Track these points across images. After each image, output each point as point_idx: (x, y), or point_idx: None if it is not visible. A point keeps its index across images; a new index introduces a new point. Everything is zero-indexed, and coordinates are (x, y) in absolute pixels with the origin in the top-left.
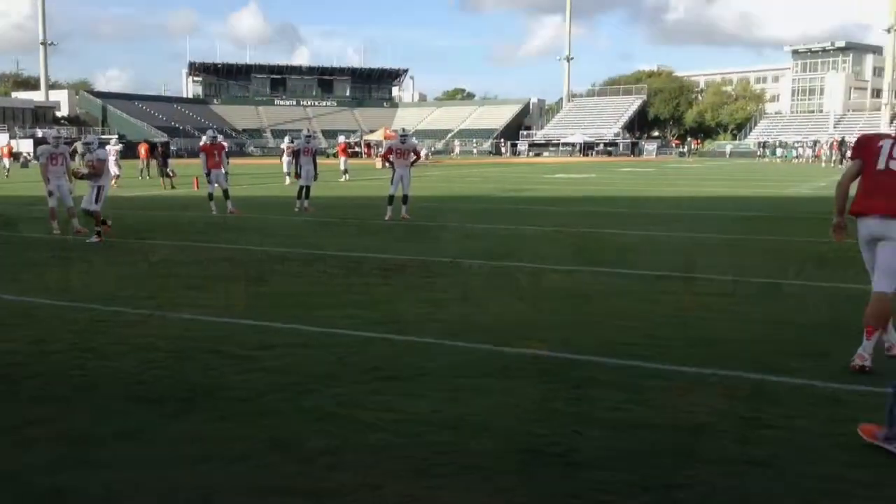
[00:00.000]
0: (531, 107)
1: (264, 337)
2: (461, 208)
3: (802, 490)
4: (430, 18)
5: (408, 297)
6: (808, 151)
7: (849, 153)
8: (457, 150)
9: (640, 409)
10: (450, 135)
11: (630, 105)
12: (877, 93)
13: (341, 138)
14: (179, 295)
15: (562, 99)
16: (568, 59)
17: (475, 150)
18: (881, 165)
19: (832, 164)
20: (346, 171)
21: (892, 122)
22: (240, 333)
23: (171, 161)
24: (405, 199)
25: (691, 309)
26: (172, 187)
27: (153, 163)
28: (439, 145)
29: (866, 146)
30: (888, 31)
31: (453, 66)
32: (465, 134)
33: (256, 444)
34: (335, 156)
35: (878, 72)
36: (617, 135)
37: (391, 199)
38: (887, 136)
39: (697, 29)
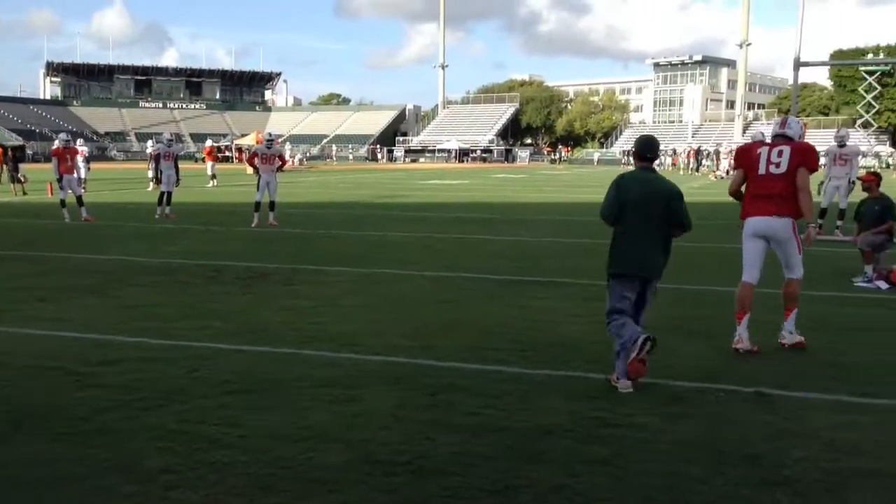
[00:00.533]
0: (407, 113)
1: (109, 351)
2: (333, 215)
3: (641, 487)
4: (304, 23)
5: (268, 306)
6: (668, 160)
7: (704, 161)
8: (333, 155)
9: (496, 413)
10: (325, 140)
11: (504, 113)
12: (731, 104)
13: (209, 142)
14: (23, 308)
15: (437, 106)
16: (443, 67)
17: (351, 156)
18: (762, 171)
19: (689, 172)
20: (214, 177)
21: (744, 131)
22: (82, 348)
23: (21, 166)
24: (272, 205)
25: (555, 313)
26: (24, 193)
27: (4, 168)
28: (314, 150)
29: (746, 156)
30: (740, 46)
31: (329, 71)
32: (340, 139)
33: (92, 466)
34: (203, 160)
35: (731, 84)
36: (491, 142)
37: (258, 205)
38: (763, 143)
39: (568, 40)
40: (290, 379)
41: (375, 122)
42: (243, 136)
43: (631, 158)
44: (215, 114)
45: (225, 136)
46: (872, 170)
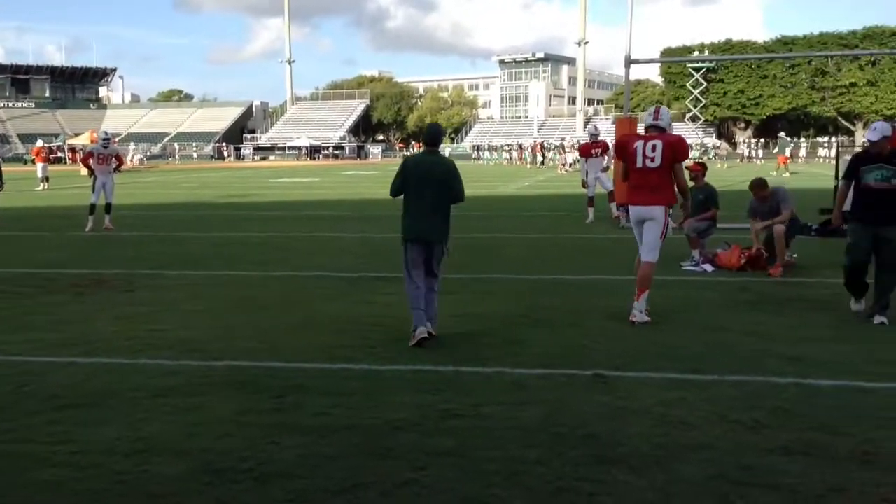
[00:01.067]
0: (254, 109)
1: None
2: (175, 216)
3: (484, 474)
4: (141, 16)
5: (103, 314)
6: (515, 154)
7: (548, 154)
8: (177, 154)
9: (345, 411)
10: (167, 138)
11: (354, 109)
12: (572, 100)
13: (39, 142)
14: None
15: (286, 102)
16: (290, 62)
17: (196, 155)
18: (639, 164)
19: (537, 165)
20: (45, 179)
21: (585, 126)
22: None
23: None
24: (108, 207)
25: (403, 307)
26: None
27: None
28: (156, 149)
29: (623, 149)
30: (579, 44)
31: (169, 67)
32: (183, 137)
33: None
34: (32, 162)
35: (572, 81)
36: (343, 138)
37: (92, 208)
38: (638, 136)
39: (415, 37)
40: (125, 390)
41: (221, 119)
42: (77, 135)
43: (481, 152)
44: (46, 112)
45: (57, 135)
46: (699, 160)
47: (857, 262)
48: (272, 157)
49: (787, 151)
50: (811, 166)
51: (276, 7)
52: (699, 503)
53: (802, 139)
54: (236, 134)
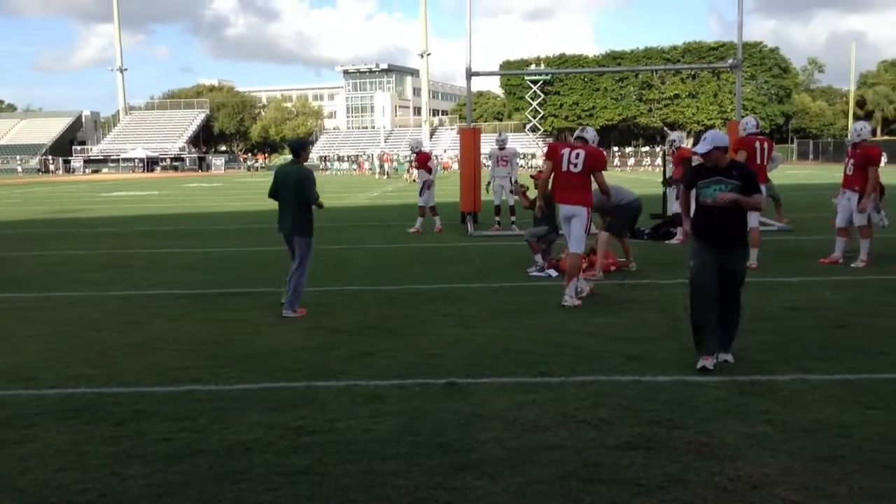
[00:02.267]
0: (84, 120)
1: None
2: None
3: (341, 489)
4: None
5: None
6: (367, 164)
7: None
8: None
9: (192, 435)
10: None
11: (193, 119)
12: (417, 110)
13: None
14: None
15: (118, 112)
16: (121, 70)
17: (20, 169)
18: (564, 168)
19: (385, 176)
20: None
21: (431, 136)
22: None
23: None
24: None
25: (251, 324)
26: None
27: None
28: None
29: (553, 153)
30: (421, 56)
31: None
32: (6, 150)
33: None
34: None
35: (417, 92)
36: (182, 149)
37: None
38: (566, 145)
39: (258, 46)
40: None
41: (47, 131)
42: None
43: (328, 163)
44: None
45: None
46: (541, 169)
47: (704, 292)
48: (105, 170)
49: None
50: (639, 174)
51: (107, 13)
52: (550, 503)
53: (630, 148)
54: (65, 146)
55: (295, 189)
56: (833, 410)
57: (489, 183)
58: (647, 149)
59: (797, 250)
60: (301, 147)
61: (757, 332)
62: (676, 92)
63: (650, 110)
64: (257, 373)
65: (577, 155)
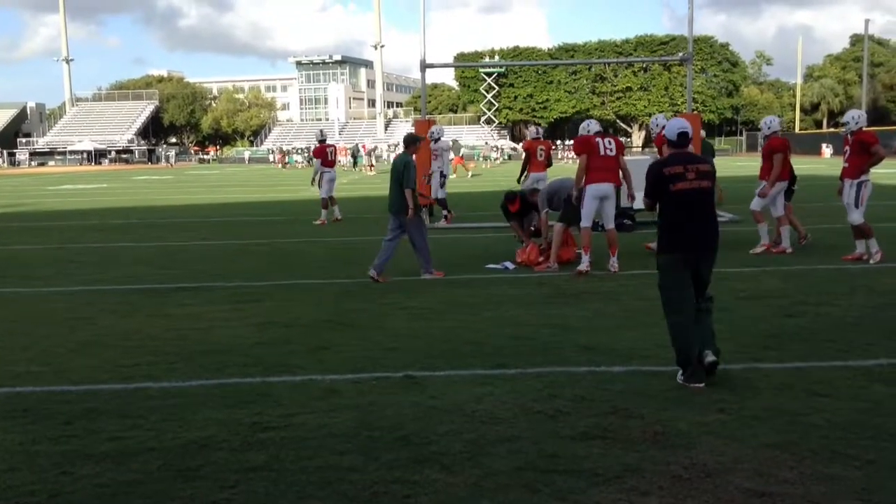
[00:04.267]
0: (29, 112)
1: None
2: None
3: (297, 485)
4: None
5: None
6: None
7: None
8: None
9: (143, 433)
10: None
11: (142, 110)
12: (372, 103)
13: None
14: None
15: (65, 103)
16: (67, 61)
17: None
18: (602, 153)
19: (346, 168)
20: None
21: (386, 128)
22: None
23: None
24: None
25: (205, 319)
26: None
27: None
28: None
29: (587, 144)
30: (375, 47)
31: None
32: None
33: None
34: None
35: (371, 84)
36: (131, 141)
37: None
38: (596, 136)
39: (211, 37)
40: None
41: None
42: None
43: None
44: None
45: None
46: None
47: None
48: (51, 163)
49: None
50: None
51: (54, 2)
52: (509, 494)
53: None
54: (9, 138)
55: (397, 174)
56: (784, 398)
57: (427, 177)
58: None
59: (745, 241)
60: (411, 141)
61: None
62: (629, 85)
63: (603, 103)
64: (211, 369)
65: (610, 142)
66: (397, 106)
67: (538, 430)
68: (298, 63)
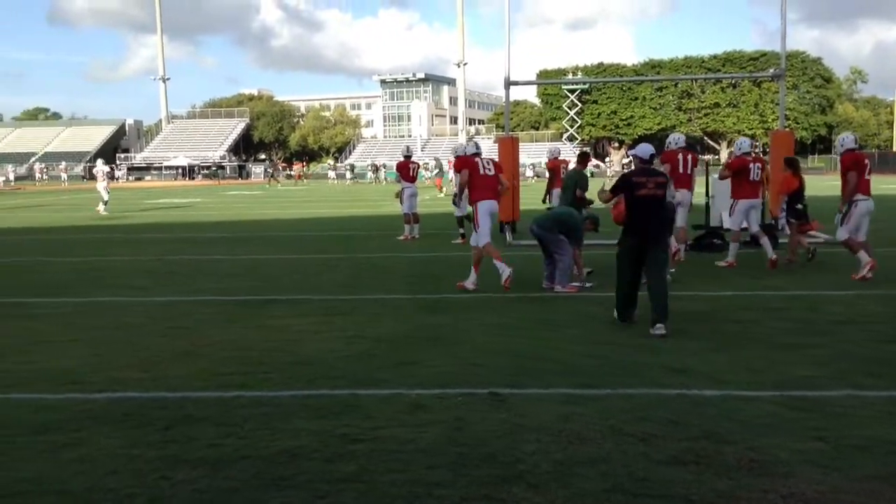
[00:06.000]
0: (128, 128)
1: None
2: (43, 240)
3: (387, 498)
4: (9, 31)
5: None
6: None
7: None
8: (39, 174)
9: (239, 441)
10: (33, 158)
11: (234, 128)
12: (454, 120)
13: None
14: None
15: (161, 121)
16: (164, 80)
17: (65, 175)
18: (681, 170)
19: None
20: None
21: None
22: None
23: None
24: None
25: (295, 331)
26: None
27: None
28: (21, 170)
29: (673, 158)
30: (458, 65)
31: (40, 84)
32: (51, 157)
33: None
34: None
35: (453, 101)
36: (223, 157)
37: None
38: (678, 152)
39: (301, 56)
40: None
41: (91, 139)
42: None
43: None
44: None
45: None
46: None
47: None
48: (148, 178)
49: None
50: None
51: (154, 23)
52: None
53: None
54: (109, 154)
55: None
56: (887, 427)
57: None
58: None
59: (840, 264)
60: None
61: (805, 346)
62: (716, 101)
63: (689, 119)
64: (301, 379)
65: (689, 157)
66: (479, 123)
67: (627, 452)
68: (383, 81)
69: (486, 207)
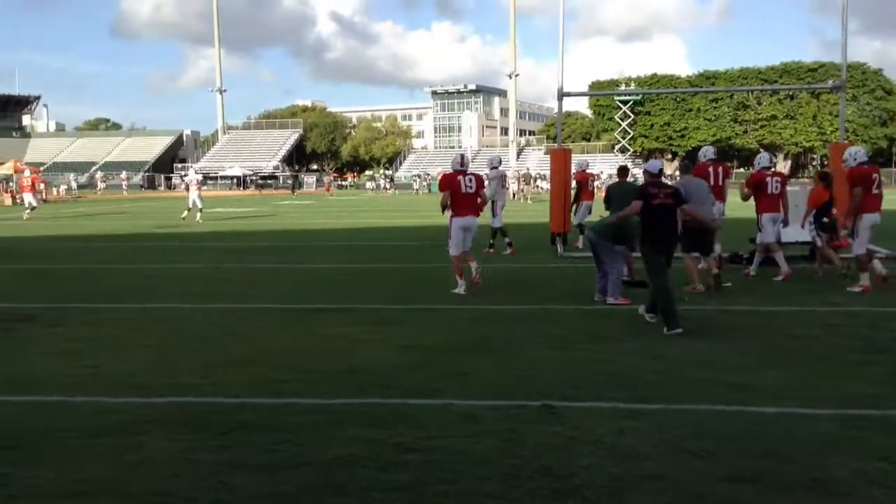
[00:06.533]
0: (185, 139)
1: None
2: (105, 247)
3: None
4: (74, 44)
5: (33, 350)
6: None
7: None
8: (100, 183)
9: (294, 448)
10: (94, 168)
11: (287, 138)
12: (504, 131)
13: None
14: None
15: (217, 131)
16: (220, 91)
17: (125, 184)
18: (769, 190)
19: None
20: None
21: (518, 156)
22: None
23: None
24: None
25: (348, 340)
26: None
27: None
28: (83, 179)
29: (761, 178)
30: (510, 76)
31: (102, 95)
32: (111, 167)
33: None
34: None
35: (504, 112)
36: (276, 168)
37: None
38: (768, 174)
39: (355, 68)
40: (61, 429)
41: (150, 149)
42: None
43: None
44: None
45: None
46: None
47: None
48: (204, 188)
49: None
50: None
51: (214, 36)
52: None
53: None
54: (167, 163)
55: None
56: None
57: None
58: (741, 170)
59: None
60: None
61: (868, 363)
62: (773, 113)
63: (745, 131)
64: (353, 388)
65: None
66: (529, 134)
67: (685, 469)
68: (434, 92)
69: (460, 223)
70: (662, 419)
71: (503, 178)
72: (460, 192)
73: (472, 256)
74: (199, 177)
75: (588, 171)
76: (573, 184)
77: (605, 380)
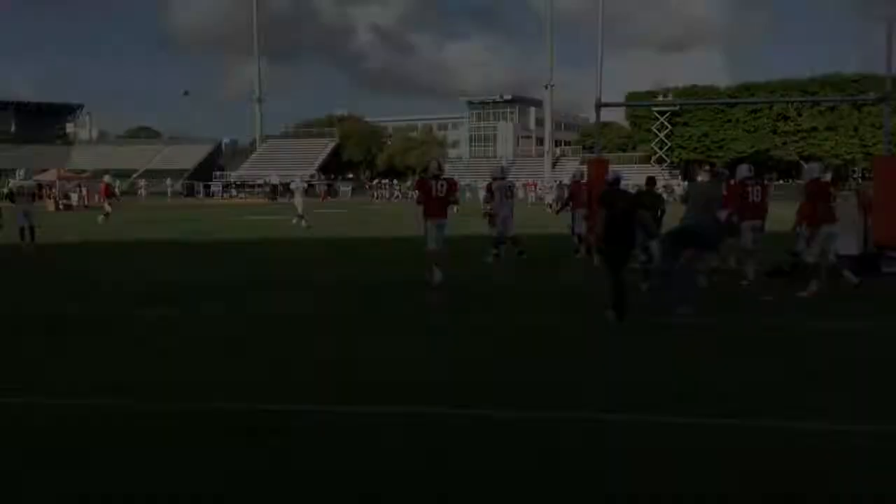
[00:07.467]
0: (224, 147)
1: None
2: (146, 252)
3: None
4: (123, 53)
5: (73, 355)
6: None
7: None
8: (142, 190)
9: (336, 456)
10: (135, 175)
11: (324, 148)
12: (540, 141)
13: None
14: None
15: (255, 140)
16: (259, 101)
17: (169, 191)
18: (434, 194)
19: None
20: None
21: (553, 166)
22: None
23: None
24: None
25: (389, 348)
26: None
27: None
28: (124, 185)
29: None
30: (546, 87)
31: (140, 103)
32: (151, 174)
33: None
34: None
35: (540, 122)
36: (312, 176)
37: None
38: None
39: (393, 78)
40: (105, 432)
41: (190, 157)
42: (43, 171)
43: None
44: (9, 147)
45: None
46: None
47: None
48: (241, 195)
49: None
50: (775, 207)
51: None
52: None
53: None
54: (206, 171)
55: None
56: None
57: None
58: (781, 182)
59: None
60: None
61: None
62: (814, 125)
63: (785, 143)
64: (397, 397)
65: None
66: (565, 144)
67: (738, 482)
68: (469, 102)
69: (433, 223)
70: (717, 433)
71: (506, 189)
72: (431, 195)
73: (444, 263)
74: (305, 185)
75: (582, 181)
76: (565, 193)
77: (660, 392)
